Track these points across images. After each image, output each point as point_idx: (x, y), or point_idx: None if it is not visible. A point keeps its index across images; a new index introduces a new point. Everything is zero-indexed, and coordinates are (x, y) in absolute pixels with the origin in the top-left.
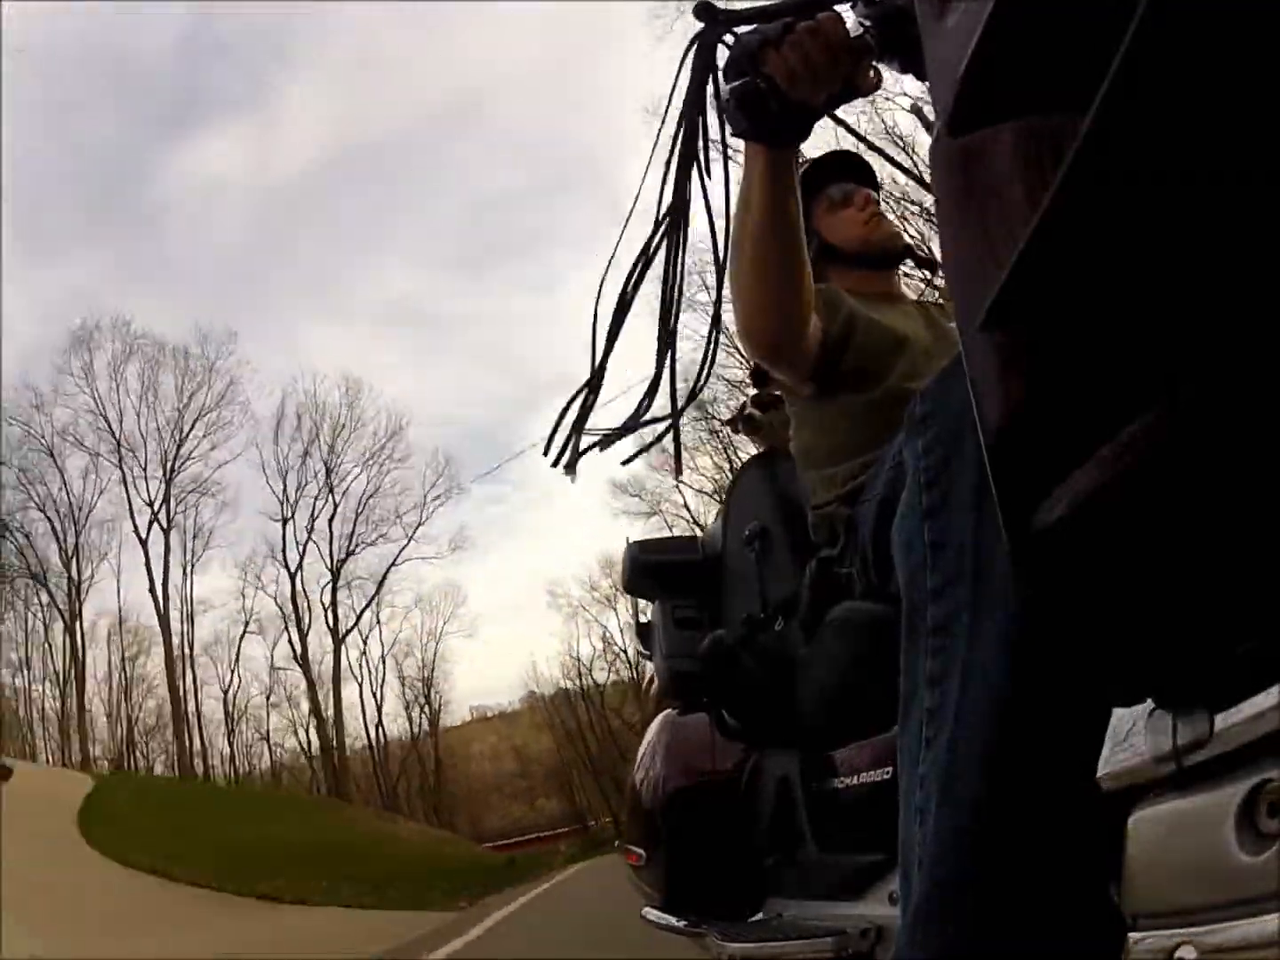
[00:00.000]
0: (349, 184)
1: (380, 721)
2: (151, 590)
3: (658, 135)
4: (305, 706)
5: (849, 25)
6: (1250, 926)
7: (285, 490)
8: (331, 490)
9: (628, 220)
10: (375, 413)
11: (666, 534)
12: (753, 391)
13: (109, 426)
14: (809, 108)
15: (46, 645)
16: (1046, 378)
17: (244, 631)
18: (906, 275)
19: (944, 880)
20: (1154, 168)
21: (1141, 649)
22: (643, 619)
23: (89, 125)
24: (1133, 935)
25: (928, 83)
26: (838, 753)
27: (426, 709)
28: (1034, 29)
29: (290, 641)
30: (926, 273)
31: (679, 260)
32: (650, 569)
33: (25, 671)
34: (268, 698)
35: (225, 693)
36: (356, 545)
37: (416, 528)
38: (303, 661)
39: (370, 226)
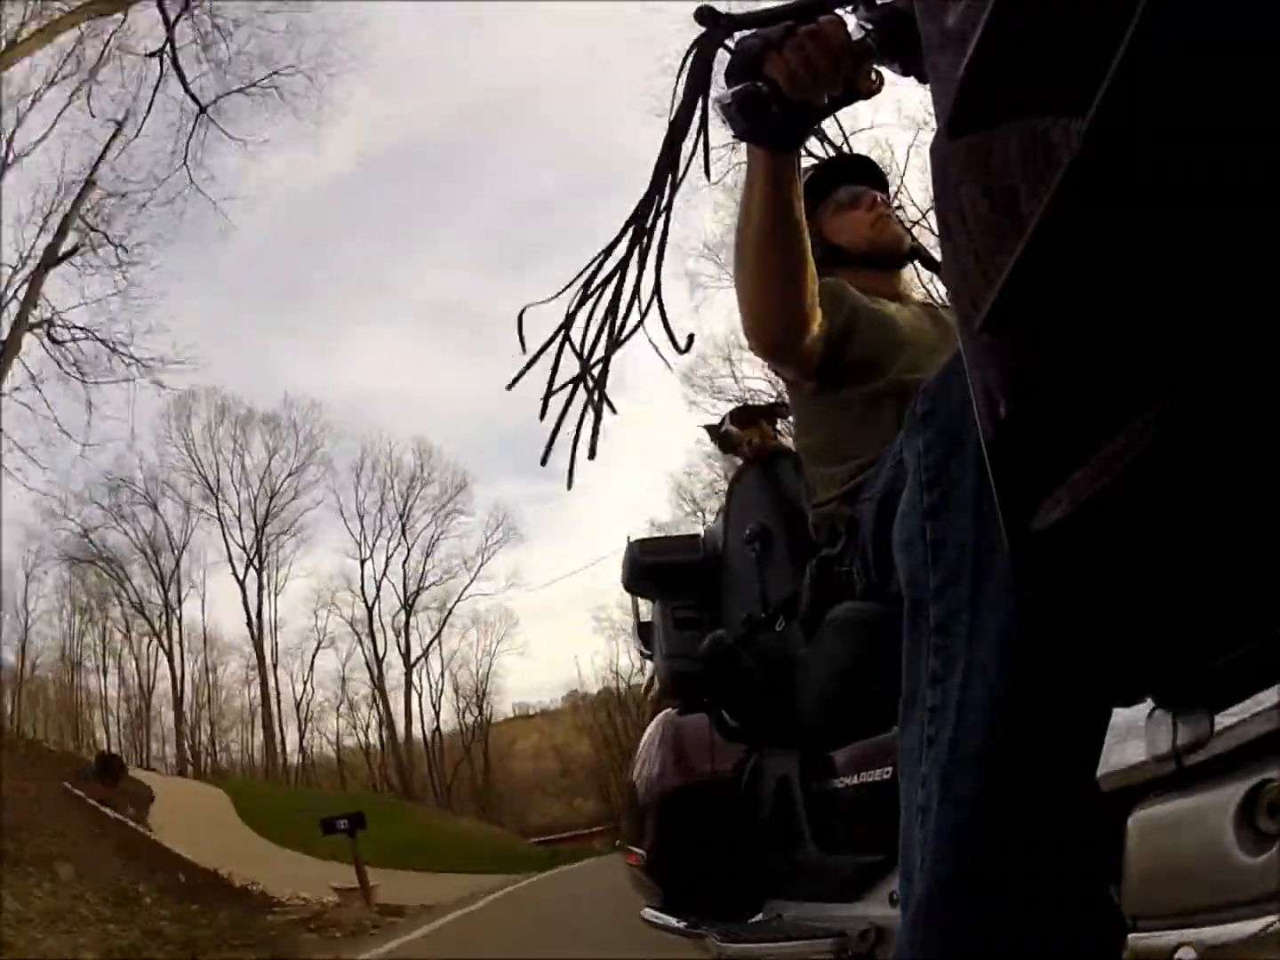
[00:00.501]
0: (390, 184)
1: (438, 728)
2: (249, 623)
3: (666, 139)
4: (365, 710)
5: (850, 28)
6: (1250, 926)
7: (362, 531)
8: (405, 533)
9: (632, 223)
10: (444, 470)
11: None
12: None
13: (206, 483)
14: (810, 111)
15: (133, 661)
16: (1046, 378)
17: (317, 647)
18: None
19: (945, 880)
20: (1153, 169)
21: (1141, 649)
22: (643, 619)
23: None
24: (1133, 935)
25: (928, 85)
26: (838, 753)
27: (479, 717)
28: (1033, 30)
29: (366, 664)
30: (933, 274)
31: (659, 260)
32: (650, 569)
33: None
34: (338, 707)
35: (299, 702)
36: (426, 584)
37: (479, 568)
38: (379, 682)
39: (413, 226)
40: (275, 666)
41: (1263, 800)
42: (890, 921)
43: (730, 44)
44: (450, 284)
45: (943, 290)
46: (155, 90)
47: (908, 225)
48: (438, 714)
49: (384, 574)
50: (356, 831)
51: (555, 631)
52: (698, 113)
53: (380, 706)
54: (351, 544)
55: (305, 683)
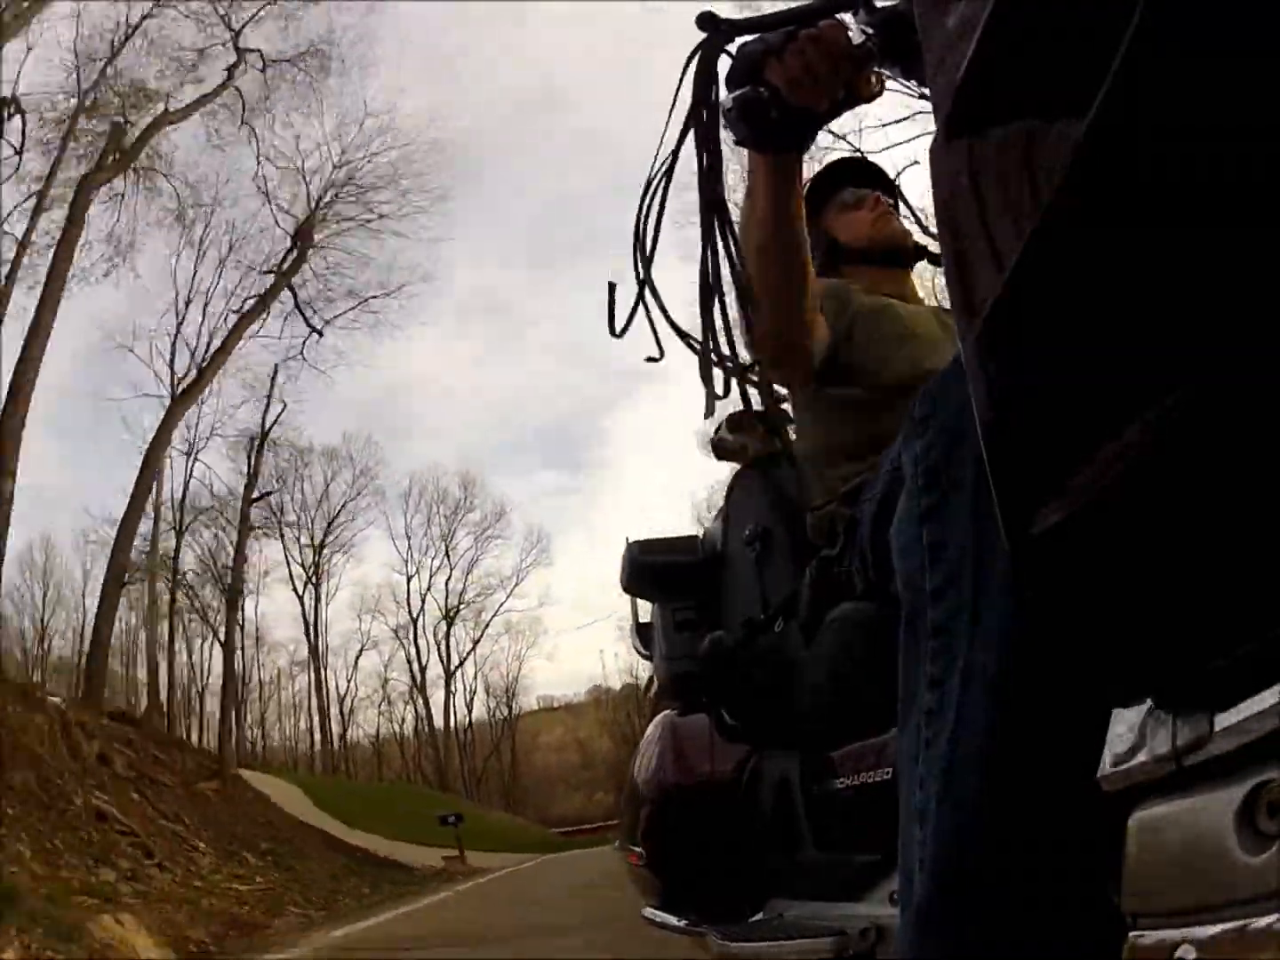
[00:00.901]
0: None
1: (470, 725)
2: (307, 633)
3: (659, 144)
4: (401, 705)
5: (851, 33)
6: (1250, 926)
7: (409, 550)
8: (448, 554)
9: (640, 223)
10: (485, 499)
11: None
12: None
13: (270, 507)
14: (811, 115)
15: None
16: (1046, 379)
17: (361, 649)
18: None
19: (945, 881)
20: (1153, 170)
21: (1141, 649)
22: (642, 620)
23: None
24: (1133, 935)
25: (929, 88)
26: (837, 753)
27: (507, 716)
28: (1032, 32)
29: (408, 666)
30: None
31: (648, 265)
32: (650, 570)
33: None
34: (379, 704)
35: (341, 697)
36: (465, 600)
37: (514, 587)
38: (420, 685)
39: (448, 218)
40: (325, 667)
41: (1263, 800)
42: (890, 921)
43: (731, 49)
44: (483, 279)
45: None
46: None
47: (920, 224)
48: (470, 711)
49: (428, 589)
50: (460, 823)
51: (581, 621)
52: (703, 121)
53: (420, 704)
54: (399, 560)
55: (349, 680)
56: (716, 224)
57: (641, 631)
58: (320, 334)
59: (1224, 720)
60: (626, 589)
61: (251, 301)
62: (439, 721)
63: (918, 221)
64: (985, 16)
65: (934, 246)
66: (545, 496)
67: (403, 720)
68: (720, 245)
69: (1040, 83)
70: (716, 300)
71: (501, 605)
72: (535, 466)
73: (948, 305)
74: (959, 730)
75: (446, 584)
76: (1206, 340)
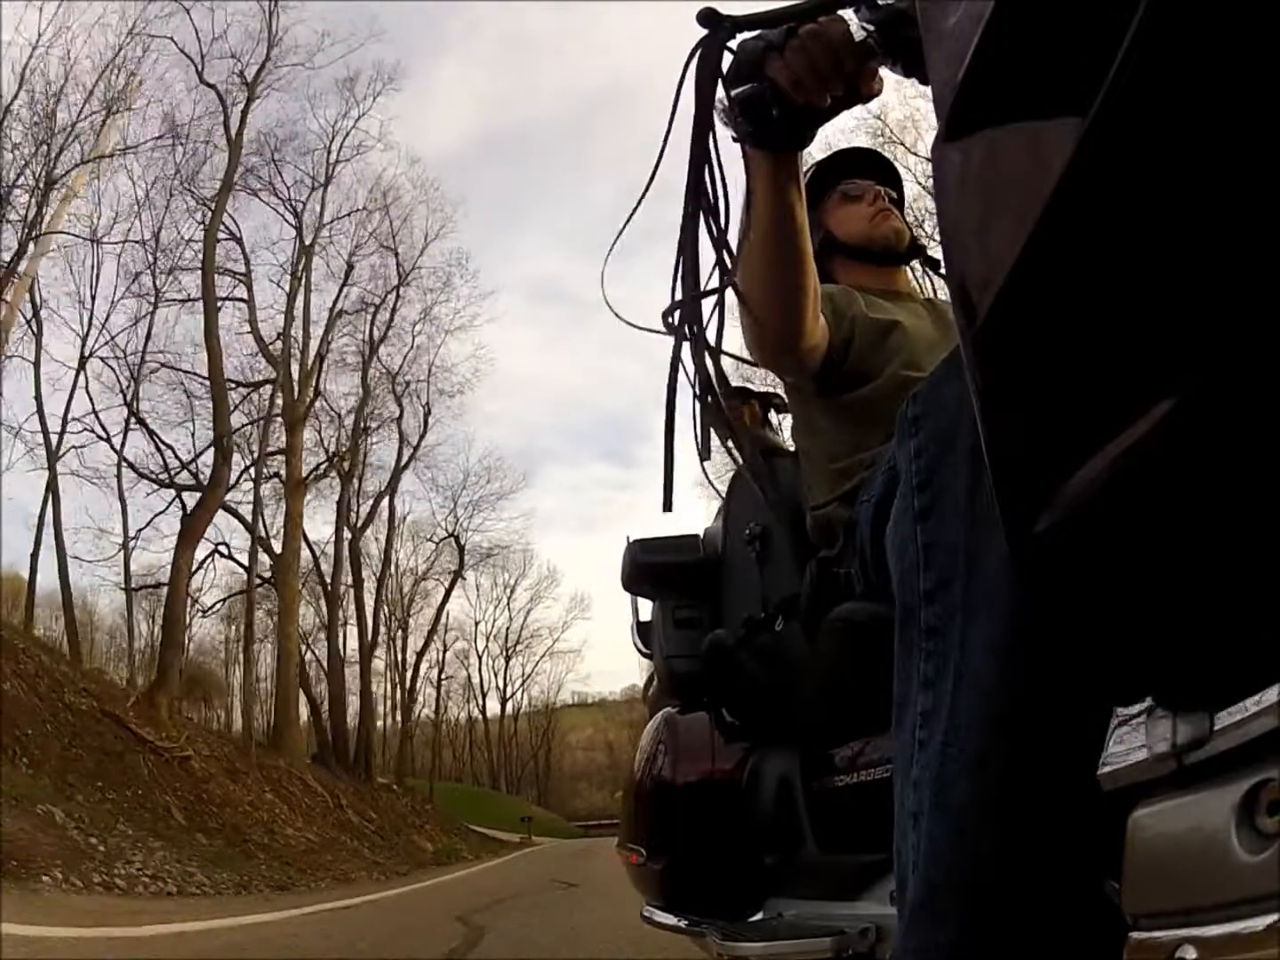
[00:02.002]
0: (497, 163)
1: (515, 733)
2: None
3: (663, 143)
4: (456, 714)
5: (852, 29)
6: (1250, 926)
7: (477, 598)
8: (509, 605)
9: (626, 223)
10: (540, 565)
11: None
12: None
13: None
14: (812, 113)
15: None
16: (1046, 379)
17: (440, 678)
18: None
19: (937, 884)
20: (1154, 169)
21: (1141, 649)
22: (643, 618)
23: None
24: (1133, 935)
25: (930, 86)
26: (837, 752)
27: (545, 727)
28: (1034, 31)
29: (470, 689)
30: (927, 270)
31: (694, 266)
32: (651, 568)
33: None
34: (436, 726)
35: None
36: (520, 641)
37: (555, 640)
38: (482, 707)
39: (517, 206)
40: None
41: (1263, 799)
42: (890, 921)
43: (733, 46)
44: (548, 267)
45: (941, 287)
46: None
47: (913, 223)
48: (515, 723)
49: (490, 633)
50: (529, 821)
51: (621, 634)
52: (705, 118)
53: (481, 719)
54: (469, 608)
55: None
56: (714, 224)
57: (642, 630)
58: None
59: (1224, 719)
60: (627, 587)
61: None
62: (498, 734)
63: (920, 224)
64: (987, 16)
65: (934, 247)
66: (595, 487)
67: (456, 727)
68: (715, 245)
69: (1041, 82)
70: (700, 301)
71: (548, 649)
72: (589, 458)
73: (941, 299)
74: (952, 732)
75: (506, 631)
76: (1206, 341)
